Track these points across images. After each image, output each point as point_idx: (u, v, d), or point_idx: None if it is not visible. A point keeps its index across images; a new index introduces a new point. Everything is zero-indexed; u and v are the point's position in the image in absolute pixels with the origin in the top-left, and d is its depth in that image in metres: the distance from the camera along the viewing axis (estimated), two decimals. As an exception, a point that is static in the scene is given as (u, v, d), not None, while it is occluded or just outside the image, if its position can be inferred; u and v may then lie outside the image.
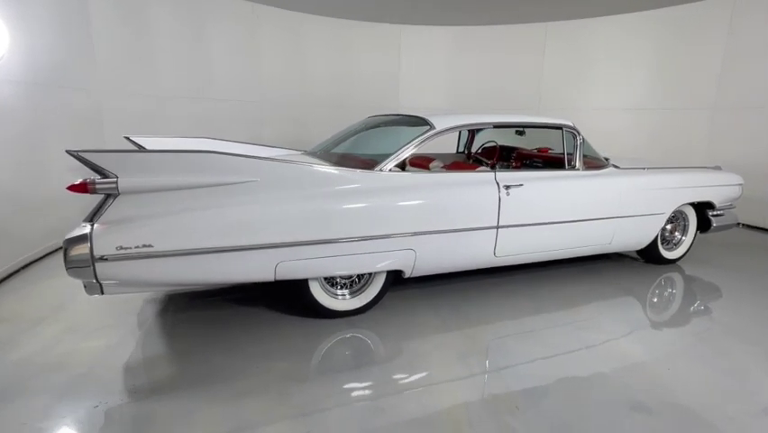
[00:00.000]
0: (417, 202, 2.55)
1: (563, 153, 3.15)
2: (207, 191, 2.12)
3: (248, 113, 6.08)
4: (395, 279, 2.73)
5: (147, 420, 1.76)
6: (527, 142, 3.84)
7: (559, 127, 3.14)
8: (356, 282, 2.70)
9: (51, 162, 3.62)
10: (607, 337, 2.54)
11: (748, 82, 5.17)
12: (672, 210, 3.56)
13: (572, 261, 3.76)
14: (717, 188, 3.75)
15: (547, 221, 2.96)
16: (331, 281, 2.63)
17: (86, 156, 1.88)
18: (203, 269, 2.15)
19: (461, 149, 4.30)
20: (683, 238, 3.86)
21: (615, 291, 3.24)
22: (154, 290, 2.85)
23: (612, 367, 2.23)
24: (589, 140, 3.35)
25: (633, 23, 6.08)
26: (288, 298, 2.87)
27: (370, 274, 2.66)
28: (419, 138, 2.69)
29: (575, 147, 3.17)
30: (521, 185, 2.85)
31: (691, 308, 3.05)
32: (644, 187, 3.37)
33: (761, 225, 5.23)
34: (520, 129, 3.53)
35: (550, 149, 3.70)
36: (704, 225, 3.81)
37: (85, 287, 2.06)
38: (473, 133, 4.20)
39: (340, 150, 3.23)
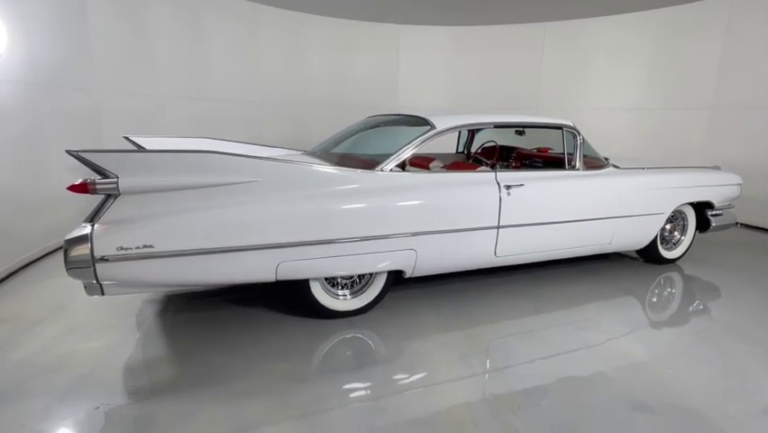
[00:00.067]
0: (418, 202, 2.55)
1: (563, 153, 3.16)
2: (208, 191, 2.11)
3: (248, 113, 6.08)
4: (396, 279, 2.72)
5: (148, 421, 1.76)
6: (527, 142, 3.85)
7: (559, 127, 3.15)
8: (357, 283, 2.69)
9: (51, 162, 3.61)
10: (607, 337, 2.54)
11: (747, 82, 5.18)
12: (672, 210, 3.57)
13: (572, 261, 3.76)
14: (716, 187, 3.76)
15: (548, 221, 2.97)
16: (332, 282, 2.63)
17: (87, 156, 1.87)
18: (204, 269, 2.15)
19: (460, 149, 4.30)
20: (683, 238, 3.87)
21: (614, 291, 3.25)
22: (155, 290, 2.84)
23: (613, 367, 2.23)
24: (589, 140, 3.36)
25: (632, 23, 6.09)
26: (289, 298, 2.86)
27: (371, 274, 2.65)
28: (420, 138, 2.68)
29: (575, 147, 3.17)
30: (522, 185, 2.85)
31: (691, 308, 3.05)
32: (644, 187, 3.38)
33: (760, 225, 5.24)
34: (520, 129, 3.53)
35: (549, 149, 3.71)
36: (703, 224, 3.82)
37: (85, 287, 2.05)
38: (473, 132, 4.21)
39: (340, 150, 3.23)
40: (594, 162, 3.32)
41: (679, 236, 3.87)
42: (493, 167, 3.35)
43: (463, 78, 7.17)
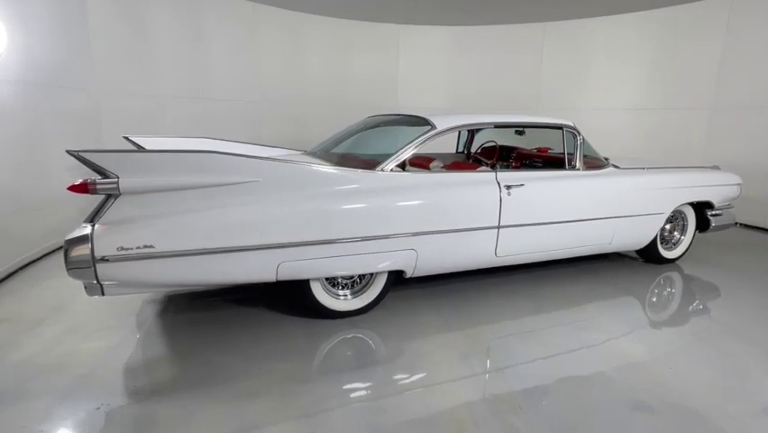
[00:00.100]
0: (419, 202, 2.55)
1: (564, 153, 3.16)
2: (209, 191, 2.11)
3: (248, 113, 6.07)
4: (396, 279, 2.72)
5: (149, 422, 1.76)
6: (527, 142, 3.85)
7: (559, 127, 3.15)
8: (357, 283, 2.69)
9: (51, 162, 3.60)
10: (607, 337, 2.55)
11: (747, 82, 5.19)
12: (672, 210, 3.57)
13: (572, 261, 3.76)
14: (715, 187, 3.77)
15: (548, 221, 2.97)
16: (332, 282, 2.63)
17: (87, 156, 1.87)
18: (204, 269, 2.15)
19: (460, 149, 4.31)
20: (682, 238, 3.87)
21: (614, 291, 3.25)
22: (155, 290, 2.84)
23: (613, 367, 2.23)
24: (589, 140, 3.36)
25: (632, 23, 6.09)
26: (289, 298, 2.86)
27: (372, 274, 2.65)
28: (420, 138, 2.68)
29: (575, 147, 3.18)
30: (522, 185, 2.85)
31: (691, 308, 3.06)
32: (644, 187, 3.38)
33: (759, 225, 5.25)
34: (520, 129, 3.54)
35: (549, 149, 3.71)
36: (703, 224, 3.83)
37: (85, 288, 2.05)
38: (473, 132, 4.21)
39: (340, 150, 3.23)
40: (594, 162, 3.32)
41: (678, 236, 3.88)
42: (493, 167, 3.35)
43: (463, 78, 7.17)
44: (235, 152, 2.50)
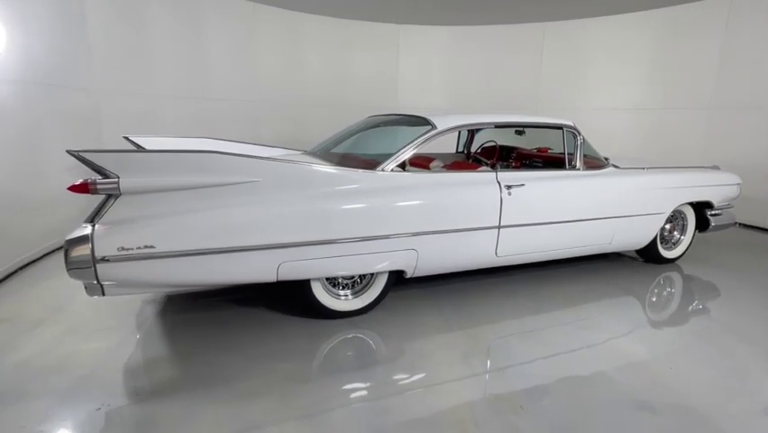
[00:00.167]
0: (419, 202, 2.55)
1: (564, 153, 3.16)
2: (209, 191, 2.10)
3: (247, 113, 6.07)
4: (397, 279, 2.72)
5: (150, 423, 1.75)
6: (526, 142, 3.85)
7: (560, 127, 3.15)
8: (358, 283, 2.69)
9: (50, 162, 3.59)
10: (607, 337, 2.55)
11: (746, 82, 5.20)
12: (672, 210, 3.57)
13: (571, 260, 3.76)
14: (715, 187, 3.77)
15: (548, 221, 2.97)
16: (333, 282, 2.63)
17: (87, 156, 1.87)
18: (205, 270, 2.14)
19: (460, 149, 4.30)
20: (682, 238, 3.88)
21: (614, 291, 3.25)
22: (156, 291, 2.83)
23: (614, 366, 2.23)
24: (589, 140, 3.36)
25: (631, 23, 6.10)
26: (289, 298, 2.86)
27: (372, 274, 2.65)
28: (421, 138, 2.68)
29: (576, 147, 3.18)
30: (522, 185, 2.85)
31: (691, 308, 3.06)
32: (644, 186, 3.38)
33: (759, 225, 5.26)
34: (520, 129, 3.53)
35: (549, 149, 3.71)
36: (703, 224, 3.83)
37: (86, 288, 2.05)
38: (473, 132, 4.21)
39: (340, 150, 3.22)
40: (594, 162, 3.32)
41: (678, 236, 3.88)
42: (493, 167, 3.35)
43: (463, 78, 7.17)
44: (235, 151, 2.50)
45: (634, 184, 3.34)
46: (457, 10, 6.33)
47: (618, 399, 1.98)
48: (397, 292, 3.00)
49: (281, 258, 2.26)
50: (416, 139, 2.68)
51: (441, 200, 2.62)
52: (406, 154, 2.64)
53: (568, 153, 3.16)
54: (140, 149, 2.91)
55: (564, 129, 3.14)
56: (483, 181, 2.80)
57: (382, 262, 2.52)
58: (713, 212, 3.81)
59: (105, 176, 1.92)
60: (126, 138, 3.05)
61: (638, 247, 3.65)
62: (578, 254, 3.35)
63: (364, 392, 2.00)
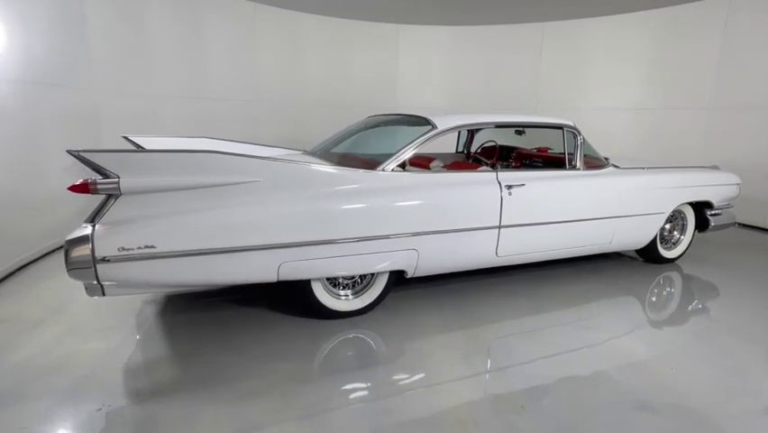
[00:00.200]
0: (420, 202, 2.55)
1: (564, 153, 3.16)
2: (210, 191, 2.10)
3: (247, 112, 6.07)
4: (397, 279, 2.72)
5: (150, 423, 1.75)
6: (526, 142, 3.85)
7: (560, 127, 3.15)
8: (359, 283, 2.69)
9: (49, 162, 3.59)
10: (608, 336, 2.55)
11: (746, 82, 5.20)
12: (671, 210, 3.58)
13: (571, 260, 3.77)
14: (715, 187, 3.78)
15: (549, 221, 2.97)
16: (333, 282, 2.63)
17: (88, 156, 1.86)
18: (205, 270, 2.14)
19: (460, 148, 4.31)
20: (682, 237, 3.88)
21: (614, 291, 3.25)
22: (156, 291, 2.83)
23: (614, 366, 2.23)
24: (589, 140, 3.36)
25: (631, 23, 6.10)
26: (290, 298, 2.86)
27: (373, 275, 2.65)
28: (421, 138, 2.68)
29: (576, 147, 3.18)
30: (523, 185, 2.85)
31: (690, 307, 3.06)
32: (644, 186, 3.39)
33: (758, 225, 5.26)
34: (520, 129, 3.53)
35: (549, 149, 3.71)
36: (702, 224, 3.84)
37: (86, 288, 2.04)
38: (473, 132, 4.21)
39: (341, 149, 3.22)
40: (594, 162, 3.32)
41: (678, 236, 3.88)
42: (493, 167, 3.35)
43: (463, 77, 7.17)
44: (235, 151, 2.50)
45: (634, 184, 3.34)
46: (457, 10, 6.33)
47: (619, 398, 1.98)
48: (397, 292, 3.00)
49: (282, 258, 2.25)
50: (417, 139, 2.68)
51: (441, 200, 2.62)
52: (407, 154, 2.64)
53: (568, 153, 3.16)
54: (140, 149, 2.90)
55: (564, 129, 3.14)
56: (483, 181, 2.80)
57: (383, 262, 2.52)
58: (713, 212, 3.81)
59: (106, 176, 1.92)
60: (126, 138, 3.04)
61: (638, 247, 3.66)
62: (578, 254, 3.35)
63: (365, 392, 2.00)
